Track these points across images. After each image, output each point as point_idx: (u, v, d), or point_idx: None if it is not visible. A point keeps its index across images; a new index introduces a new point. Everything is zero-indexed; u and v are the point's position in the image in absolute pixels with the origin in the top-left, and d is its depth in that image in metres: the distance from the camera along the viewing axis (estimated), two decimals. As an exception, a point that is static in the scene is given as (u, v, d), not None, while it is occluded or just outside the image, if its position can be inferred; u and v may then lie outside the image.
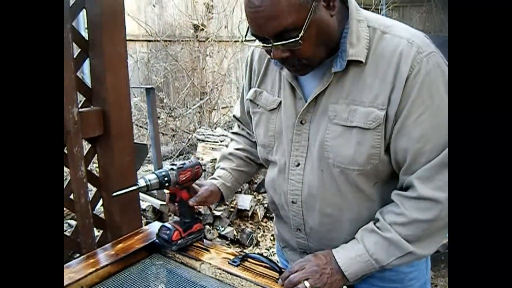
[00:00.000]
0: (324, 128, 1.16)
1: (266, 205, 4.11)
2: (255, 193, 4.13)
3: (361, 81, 1.12)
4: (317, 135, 1.18)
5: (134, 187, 1.24)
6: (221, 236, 3.72)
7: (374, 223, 1.18)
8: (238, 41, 6.86)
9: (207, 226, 3.73)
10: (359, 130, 1.12)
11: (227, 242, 3.68)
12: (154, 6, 6.57)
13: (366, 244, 1.15)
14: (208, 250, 1.37)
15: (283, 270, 1.23)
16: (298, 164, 1.23)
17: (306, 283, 1.13)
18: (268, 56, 1.27)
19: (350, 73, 1.13)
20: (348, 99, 1.13)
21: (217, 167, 1.52)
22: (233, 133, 1.61)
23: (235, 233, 3.80)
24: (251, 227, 3.98)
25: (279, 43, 1.04)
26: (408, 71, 1.06)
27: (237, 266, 1.26)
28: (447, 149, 1.06)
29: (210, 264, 1.28)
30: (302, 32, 1.02)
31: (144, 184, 1.24)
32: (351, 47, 1.10)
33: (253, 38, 1.12)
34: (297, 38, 1.02)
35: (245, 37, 1.15)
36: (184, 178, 1.32)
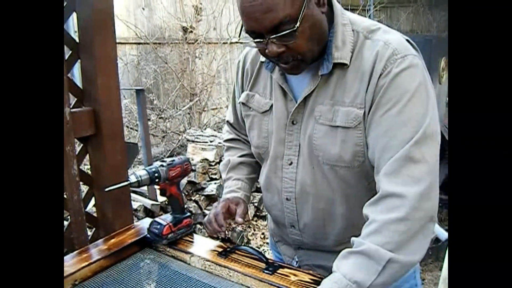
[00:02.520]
0: (312, 128, 1.20)
1: (256, 204, 4.15)
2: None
3: (343, 82, 1.15)
4: (306, 135, 1.22)
5: (126, 183, 1.28)
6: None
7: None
8: (226, 42, 6.89)
9: (198, 225, 3.77)
10: (343, 129, 1.15)
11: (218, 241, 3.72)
12: (143, 9, 6.59)
13: (342, 269, 1.02)
14: (197, 244, 1.41)
15: (270, 260, 1.27)
16: (291, 163, 1.27)
17: None
18: (260, 60, 1.31)
19: (335, 75, 1.16)
20: (332, 100, 1.17)
21: (229, 177, 1.48)
22: (228, 140, 1.59)
23: (226, 231, 3.84)
24: (242, 226, 4.02)
25: (275, 35, 1.06)
26: (380, 71, 1.09)
27: (225, 257, 1.30)
28: (411, 142, 1.04)
29: (199, 256, 1.32)
30: (298, 23, 1.04)
31: (135, 179, 1.28)
32: (336, 51, 1.13)
33: (247, 37, 1.14)
34: (294, 29, 1.04)
35: (239, 36, 1.17)
36: (174, 174, 1.36)
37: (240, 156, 1.51)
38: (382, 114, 1.09)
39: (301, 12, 1.04)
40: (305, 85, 1.21)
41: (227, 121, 1.58)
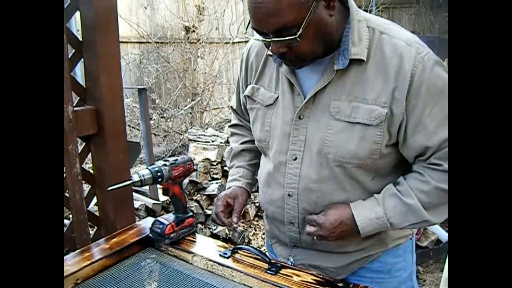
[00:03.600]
0: (325, 124, 1.20)
1: (257, 204, 4.14)
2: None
3: (363, 79, 1.16)
4: (317, 131, 1.22)
5: (129, 182, 1.28)
6: (213, 235, 3.75)
7: (395, 186, 1.23)
8: (229, 42, 6.90)
9: (199, 225, 3.77)
10: (362, 126, 1.16)
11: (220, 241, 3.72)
12: (145, 8, 6.59)
13: (386, 207, 1.21)
14: (199, 243, 1.40)
15: (272, 261, 1.27)
16: (296, 158, 1.26)
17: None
18: (267, 53, 1.31)
19: (352, 71, 1.17)
20: (350, 96, 1.17)
21: (232, 165, 1.54)
22: (232, 125, 1.62)
23: (227, 231, 3.84)
24: (243, 226, 4.02)
25: (278, 39, 1.08)
26: (411, 70, 1.11)
27: (227, 257, 1.29)
28: None
29: (201, 256, 1.32)
30: (300, 30, 1.05)
31: (138, 179, 1.28)
32: (353, 46, 1.14)
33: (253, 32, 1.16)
34: (295, 36, 1.06)
35: (246, 29, 1.19)
36: (176, 174, 1.36)
37: (242, 143, 1.55)
38: (429, 113, 1.14)
39: (306, 19, 1.05)
40: (316, 79, 1.21)
41: (231, 106, 1.61)
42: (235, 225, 1.40)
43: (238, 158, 1.54)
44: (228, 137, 1.66)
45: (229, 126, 1.65)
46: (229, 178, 1.52)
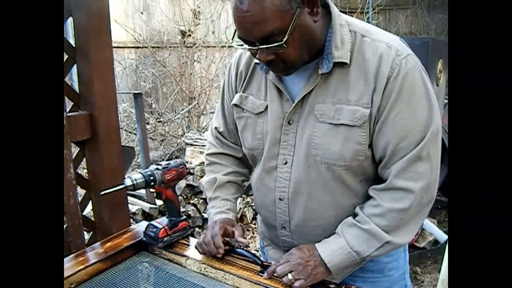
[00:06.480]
0: (311, 126, 1.21)
1: (255, 207, 4.15)
2: (244, 195, 4.17)
3: (346, 81, 1.17)
4: (304, 134, 1.23)
5: (121, 186, 1.28)
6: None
7: (354, 217, 1.24)
8: (225, 46, 6.91)
9: (197, 229, 3.77)
10: (346, 127, 1.17)
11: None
12: (141, 13, 6.60)
13: (347, 237, 1.22)
14: (193, 247, 1.41)
15: (264, 263, 1.28)
16: (286, 162, 1.28)
17: (289, 276, 1.18)
18: (254, 62, 1.32)
19: (335, 74, 1.18)
20: (334, 99, 1.19)
21: (216, 197, 1.46)
22: (212, 154, 1.54)
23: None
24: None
25: (265, 46, 1.10)
26: (388, 72, 1.13)
27: (220, 260, 1.31)
28: (421, 144, 1.14)
29: (195, 259, 1.33)
30: (286, 36, 1.07)
31: (131, 183, 1.29)
32: (336, 50, 1.16)
33: (240, 41, 1.16)
34: (282, 42, 1.08)
35: (232, 40, 1.19)
36: (169, 177, 1.37)
37: (226, 174, 1.49)
38: (394, 117, 1.15)
39: (291, 24, 1.07)
40: (302, 84, 1.23)
41: (215, 128, 1.54)
42: (222, 252, 1.32)
43: (223, 190, 1.47)
44: (206, 164, 1.57)
45: (208, 155, 1.56)
46: (215, 209, 1.43)
